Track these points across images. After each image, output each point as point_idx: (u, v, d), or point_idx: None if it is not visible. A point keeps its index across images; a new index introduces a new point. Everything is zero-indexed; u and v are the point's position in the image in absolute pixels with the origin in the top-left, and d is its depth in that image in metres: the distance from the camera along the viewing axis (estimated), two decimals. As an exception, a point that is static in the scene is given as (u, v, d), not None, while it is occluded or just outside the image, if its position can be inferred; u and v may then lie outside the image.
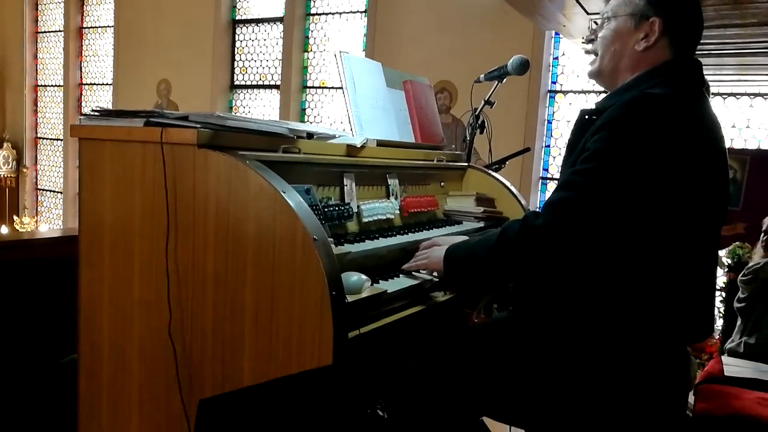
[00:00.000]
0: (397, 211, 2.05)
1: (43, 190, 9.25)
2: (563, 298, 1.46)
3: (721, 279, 3.82)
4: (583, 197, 1.34)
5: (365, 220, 1.87)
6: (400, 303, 1.61)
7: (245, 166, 1.36)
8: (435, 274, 1.69)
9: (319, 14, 6.66)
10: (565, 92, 5.47)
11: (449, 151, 2.50)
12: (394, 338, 1.56)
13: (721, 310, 3.72)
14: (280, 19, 6.81)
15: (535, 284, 1.53)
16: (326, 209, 1.68)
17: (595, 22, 1.64)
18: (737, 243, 3.81)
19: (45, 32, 9.05)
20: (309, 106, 6.76)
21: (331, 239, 1.50)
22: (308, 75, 6.75)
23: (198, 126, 1.42)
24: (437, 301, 1.73)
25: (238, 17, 7.22)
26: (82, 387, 1.71)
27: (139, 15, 7.69)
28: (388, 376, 1.89)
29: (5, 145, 8.95)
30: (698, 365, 3.62)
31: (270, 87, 7.04)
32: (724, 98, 4.81)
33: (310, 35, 6.72)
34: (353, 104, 2.02)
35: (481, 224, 2.25)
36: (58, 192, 8.96)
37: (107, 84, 8.30)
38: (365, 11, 6.24)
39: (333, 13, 6.57)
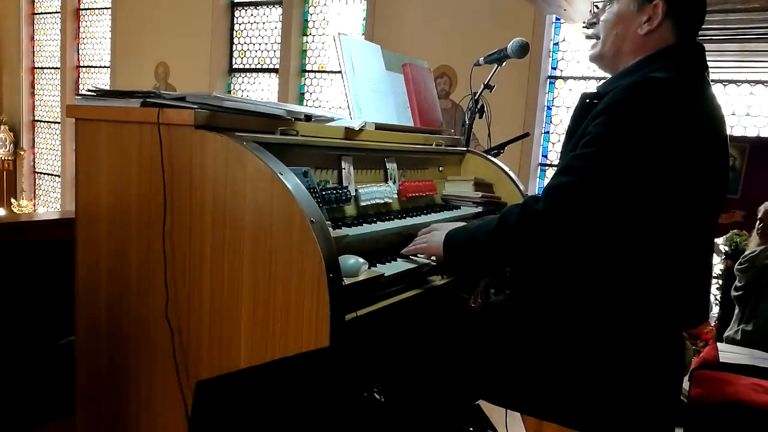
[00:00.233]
0: (395, 196, 2.04)
1: (41, 173, 9.22)
2: (561, 283, 1.46)
3: (718, 266, 3.83)
4: (584, 182, 1.34)
5: (363, 203, 1.87)
6: (397, 287, 1.61)
7: (242, 148, 1.35)
8: (434, 258, 1.69)
9: (319, -3, 6.60)
10: (565, 78, 5.44)
11: (448, 135, 2.50)
12: (391, 321, 1.57)
13: (718, 297, 3.73)
14: (279, 2, 6.75)
15: (533, 269, 1.53)
16: (324, 192, 1.67)
17: (597, 6, 1.62)
18: (735, 231, 3.81)
19: (42, 13, 8.96)
20: (308, 90, 6.73)
21: (329, 222, 1.49)
22: (307, 59, 6.71)
23: (195, 107, 1.41)
24: (434, 285, 1.73)
25: (236, 0, 7.16)
26: (79, 368, 1.72)
27: (136, -3, 7.63)
28: (384, 359, 1.90)
29: (2, 128, 8.90)
30: (694, 352, 3.64)
31: (269, 71, 7.00)
32: (725, 85, 4.79)
33: (309, 18, 6.67)
34: (352, 87, 2.01)
35: (479, 209, 2.25)
36: (55, 175, 8.93)
37: (105, 66, 8.24)
38: (365, -5, 6.18)
39: (332, -3, 6.51)
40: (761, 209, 3.44)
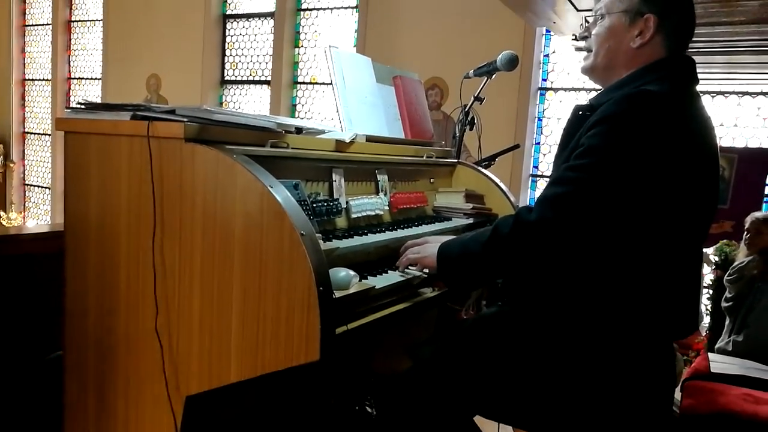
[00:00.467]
0: (386, 208, 2.04)
1: (31, 185, 9.16)
2: (552, 294, 1.47)
3: (708, 276, 3.84)
4: (578, 192, 1.34)
5: (354, 216, 1.87)
6: (389, 299, 1.61)
7: (232, 161, 1.35)
8: (426, 270, 1.69)
9: (310, 9, 6.63)
10: (555, 89, 5.48)
11: (439, 147, 2.50)
12: (383, 334, 1.56)
13: (708, 307, 3.75)
14: (271, 14, 6.78)
15: (526, 280, 1.53)
16: (315, 205, 1.67)
17: (587, 20, 1.63)
18: (724, 241, 3.84)
19: (33, 25, 8.94)
20: (299, 102, 6.74)
21: (320, 235, 1.49)
22: (299, 70, 6.73)
23: (185, 120, 1.41)
24: (425, 297, 1.73)
25: (228, 12, 7.17)
26: (67, 383, 1.70)
27: (128, 9, 7.62)
28: (376, 372, 1.89)
29: (-9, 140, 8.87)
30: (685, 362, 3.65)
31: (260, 82, 7.01)
32: (713, 96, 4.84)
33: (301, 30, 6.69)
34: (342, 99, 2.01)
35: (471, 221, 2.25)
36: (45, 187, 8.88)
37: (96, 78, 8.23)
38: (356, 7, 6.22)
39: (324, 9, 6.54)
40: (748, 220, 3.47)
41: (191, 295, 1.43)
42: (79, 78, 8.50)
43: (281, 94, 6.64)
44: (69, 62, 8.56)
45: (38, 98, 8.99)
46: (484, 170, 2.52)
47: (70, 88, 8.58)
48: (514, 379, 1.48)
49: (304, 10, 6.66)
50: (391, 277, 1.67)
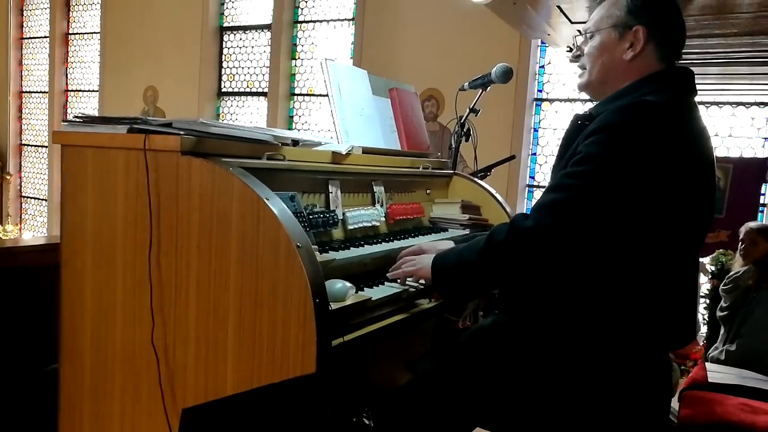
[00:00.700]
0: (383, 219, 2.05)
1: (27, 197, 9.15)
2: (548, 303, 1.47)
3: (705, 286, 3.85)
4: (575, 199, 1.35)
5: (350, 227, 1.87)
6: (385, 310, 1.61)
7: (229, 173, 1.35)
8: (422, 281, 1.69)
9: (307, 22, 6.67)
10: (551, 100, 5.51)
11: (435, 158, 2.51)
12: (379, 346, 1.56)
13: (705, 317, 3.75)
14: (268, 26, 6.81)
15: (522, 288, 1.53)
16: (311, 216, 1.67)
17: (579, 34, 1.65)
18: (720, 250, 3.85)
19: (30, 38, 8.98)
20: (296, 114, 6.76)
21: (316, 246, 1.50)
22: (296, 82, 6.76)
23: (181, 133, 1.42)
24: (422, 308, 1.73)
25: (225, 24, 7.21)
26: (62, 396, 1.69)
27: (125, 21, 7.66)
28: (373, 383, 1.89)
29: (-12, 152, 8.87)
30: (683, 372, 3.64)
31: (257, 94, 7.04)
32: (707, 107, 4.88)
33: (297, 42, 6.73)
34: (339, 112, 2.02)
35: (467, 231, 2.26)
36: (42, 199, 8.87)
37: (93, 91, 8.25)
38: (353, 19, 6.26)
39: (321, 21, 6.58)
40: (742, 230, 3.48)
41: (187, 308, 1.43)
42: (77, 90, 8.53)
43: (278, 105, 6.66)
44: (66, 74, 8.59)
45: (35, 110, 9.00)
46: (480, 181, 2.53)
47: (67, 100, 8.61)
48: (512, 390, 1.48)
49: (301, 22, 6.70)
50: (388, 289, 1.67)
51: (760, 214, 4.44)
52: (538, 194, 5.51)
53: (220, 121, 7.15)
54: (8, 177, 8.96)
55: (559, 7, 2.54)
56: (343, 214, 1.86)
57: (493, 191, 2.47)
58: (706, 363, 3.35)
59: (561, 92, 5.47)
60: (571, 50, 1.79)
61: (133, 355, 1.54)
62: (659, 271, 1.40)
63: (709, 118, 4.87)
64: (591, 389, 1.42)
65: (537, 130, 5.55)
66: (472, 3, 2.52)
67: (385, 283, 1.71)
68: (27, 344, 2.20)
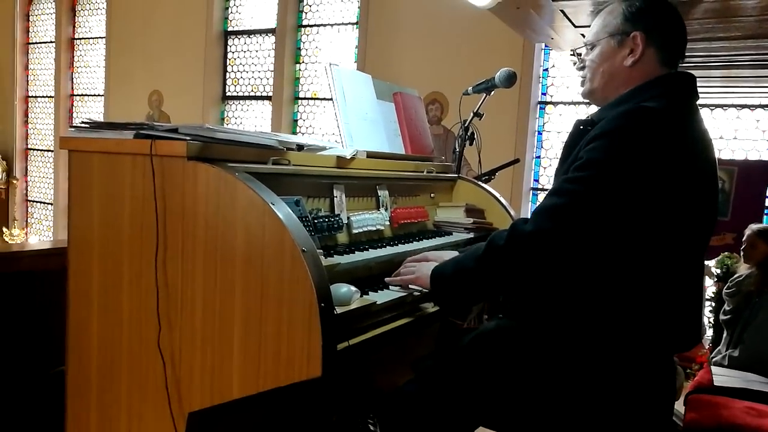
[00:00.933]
0: (387, 223, 2.06)
1: (34, 201, 9.20)
2: (551, 307, 1.47)
3: (710, 289, 3.84)
4: (576, 204, 1.35)
5: (355, 231, 1.88)
6: (390, 314, 1.61)
7: (234, 178, 1.36)
8: (424, 289, 1.69)
9: (311, 26, 6.69)
10: (555, 103, 5.51)
11: (439, 162, 2.52)
12: (384, 350, 1.57)
13: (711, 320, 3.74)
14: (272, 31, 6.84)
15: (524, 294, 1.54)
16: (316, 221, 1.68)
17: (579, 53, 1.67)
18: (726, 253, 3.83)
19: (36, 43, 9.03)
20: (301, 117, 6.78)
21: (321, 251, 1.50)
22: (300, 86, 6.78)
23: (188, 138, 1.43)
24: (427, 312, 1.73)
25: (230, 28, 7.24)
26: (69, 398, 1.70)
27: (130, 26, 7.70)
28: (378, 387, 1.90)
29: (-6, 156, 8.91)
30: (689, 375, 3.63)
31: (262, 98, 7.06)
32: (712, 110, 4.87)
33: (302, 46, 6.75)
34: (343, 116, 2.03)
35: (471, 235, 2.26)
36: (48, 203, 8.91)
37: (99, 95, 8.29)
38: (357, 23, 6.28)
39: (325, 25, 6.60)
40: (745, 232, 3.47)
41: (193, 311, 1.44)
42: (82, 95, 8.57)
43: (282, 109, 6.68)
44: (72, 79, 8.63)
45: (41, 115, 9.05)
46: (484, 185, 2.54)
47: (72, 105, 8.65)
48: (515, 391, 1.48)
49: (305, 26, 6.72)
50: (392, 293, 1.67)
51: (765, 216, 4.43)
52: (542, 197, 5.49)
53: (225, 125, 7.17)
54: (15, 181, 9.00)
55: (562, 11, 2.54)
56: (348, 218, 1.87)
57: (497, 195, 2.48)
58: (712, 366, 3.34)
59: (565, 95, 5.47)
60: (574, 54, 1.80)
61: (139, 358, 1.55)
62: (662, 275, 1.41)
63: (714, 120, 4.86)
64: (594, 392, 1.42)
65: (541, 134, 5.55)
66: (476, 7, 2.52)
67: (390, 287, 1.71)
68: (33, 347, 2.22)
